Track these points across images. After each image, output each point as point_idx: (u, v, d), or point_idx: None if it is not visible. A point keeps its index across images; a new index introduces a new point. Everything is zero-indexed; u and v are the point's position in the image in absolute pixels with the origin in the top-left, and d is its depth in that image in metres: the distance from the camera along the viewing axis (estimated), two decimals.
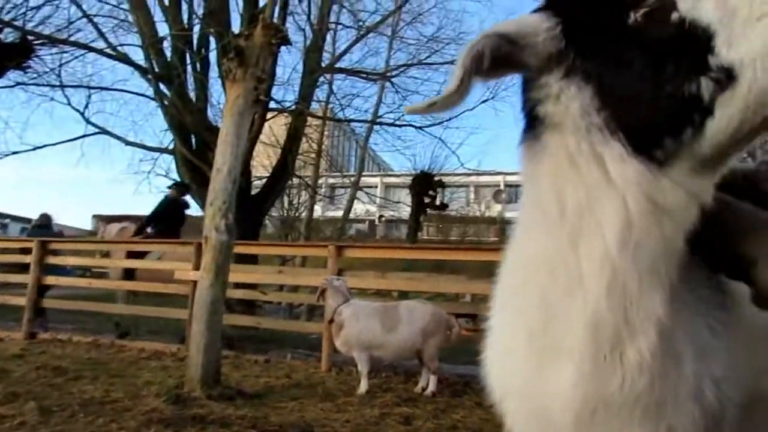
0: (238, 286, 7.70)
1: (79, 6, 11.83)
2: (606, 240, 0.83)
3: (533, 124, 0.92)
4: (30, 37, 11.00)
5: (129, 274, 8.82)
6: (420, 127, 15.78)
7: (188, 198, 10.56)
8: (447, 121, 16.05)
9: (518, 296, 0.98)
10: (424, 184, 17.47)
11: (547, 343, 0.92)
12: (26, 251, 8.93)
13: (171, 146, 13.03)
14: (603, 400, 0.87)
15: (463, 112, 18.48)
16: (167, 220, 9.73)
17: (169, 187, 10.11)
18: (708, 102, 0.75)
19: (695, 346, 0.86)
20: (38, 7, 11.21)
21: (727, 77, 0.73)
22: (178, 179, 12.75)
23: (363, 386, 5.28)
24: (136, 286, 8.73)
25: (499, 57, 0.88)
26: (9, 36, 10.63)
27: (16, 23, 10.42)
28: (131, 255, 8.94)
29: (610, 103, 0.82)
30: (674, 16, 0.78)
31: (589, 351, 0.87)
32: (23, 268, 8.88)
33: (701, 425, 0.85)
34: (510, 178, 34.61)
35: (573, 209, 0.86)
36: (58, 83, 12.44)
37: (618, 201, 0.82)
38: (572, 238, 0.86)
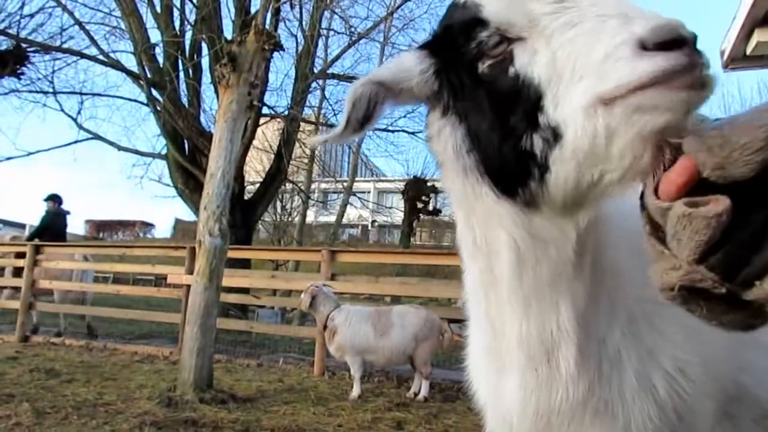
0: (231, 290, 7.73)
1: (71, 13, 11.85)
2: (504, 267, 0.90)
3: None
4: (23, 45, 11.01)
5: (18, 273, 9.15)
6: (413, 133, 15.91)
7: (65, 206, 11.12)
8: None
9: (475, 312, 1.06)
10: (417, 190, 17.53)
11: (498, 358, 1.00)
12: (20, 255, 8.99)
13: (164, 151, 13.06)
14: (552, 409, 0.94)
15: None
16: (51, 231, 10.31)
17: (45, 200, 10.64)
18: (541, 159, 0.76)
19: (637, 344, 0.91)
20: (31, 15, 11.23)
21: (553, 136, 0.74)
22: (171, 184, 12.80)
23: (355, 391, 5.31)
24: (131, 291, 8.73)
25: (380, 100, 0.93)
26: (2, 44, 10.64)
27: (9, 31, 10.43)
28: (19, 255, 9.31)
29: (475, 146, 0.86)
30: (511, 70, 0.79)
31: (525, 365, 0.94)
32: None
33: (661, 419, 0.90)
34: None
35: (480, 241, 0.93)
36: (51, 90, 12.49)
37: (506, 234, 0.88)
38: (488, 265, 0.94)
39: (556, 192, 0.77)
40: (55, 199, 10.67)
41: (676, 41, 0.63)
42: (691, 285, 0.59)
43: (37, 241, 9.12)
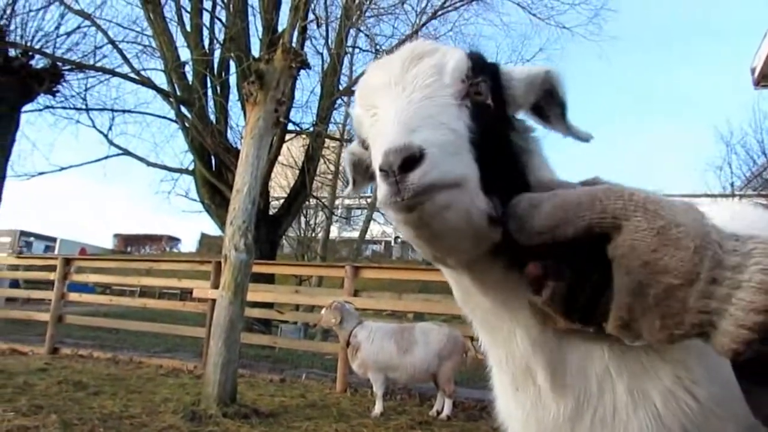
0: (255, 305, 7.78)
1: (105, 33, 12.21)
2: (459, 300, 1.00)
3: None
4: (59, 63, 11.37)
5: None
6: None
7: None
8: None
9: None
10: None
11: (502, 378, 1.05)
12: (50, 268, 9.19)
13: (191, 167, 13.28)
14: (549, 426, 0.95)
15: None
16: None
17: None
18: None
19: (628, 361, 0.90)
20: (68, 34, 11.60)
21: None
22: (198, 199, 13.00)
23: (378, 408, 5.28)
24: (157, 304, 8.84)
25: (362, 164, 1.10)
26: (39, 62, 11.00)
27: (46, 50, 10.80)
28: None
29: None
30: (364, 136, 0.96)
31: (511, 386, 1.00)
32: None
33: (682, 429, 0.89)
34: None
35: (446, 275, 1.02)
36: (83, 106, 12.85)
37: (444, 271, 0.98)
38: (458, 296, 1.02)
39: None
40: None
41: (391, 170, 0.71)
42: (572, 329, 0.80)
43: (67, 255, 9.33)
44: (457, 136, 0.80)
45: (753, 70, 5.95)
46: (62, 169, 13.10)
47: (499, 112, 0.91)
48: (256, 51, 12.31)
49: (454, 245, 0.80)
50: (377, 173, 0.75)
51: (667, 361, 0.90)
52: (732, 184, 19.83)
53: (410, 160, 0.71)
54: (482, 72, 0.89)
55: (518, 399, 0.99)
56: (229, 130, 13.04)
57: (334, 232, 26.05)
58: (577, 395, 0.92)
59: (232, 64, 13.00)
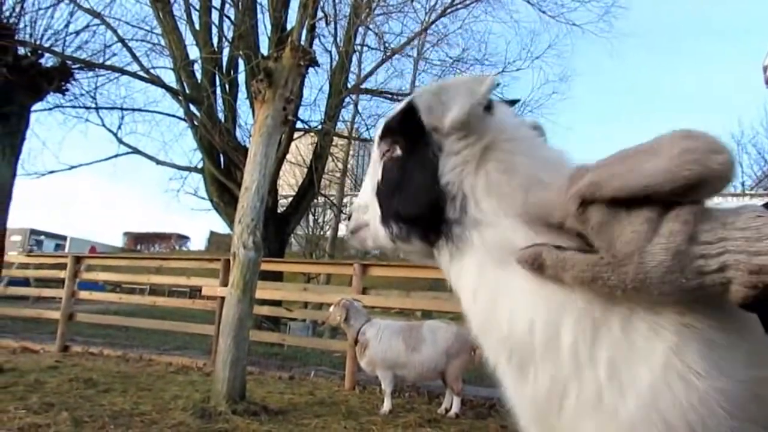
0: (263, 302, 7.80)
1: (115, 31, 12.24)
2: None
3: None
4: (68, 62, 11.40)
5: None
6: None
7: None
8: None
9: None
10: None
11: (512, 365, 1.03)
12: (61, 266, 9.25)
13: (200, 165, 13.33)
14: (541, 401, 0.91)
15: None
16: None
17: None
18: None
19: (610, 341, 0.85)
20: (77, 33, 11.63)
21: None
22: (207, 197, 13.05)
23: (386, 406, 5.28)
24: (166, 302, 8.88)
25: None
26: (49, 61, 11.06)
27: (55, 49, 10.84)
28: None
29: None
30: None
31: (498, 365, 1.02)
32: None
33: (681, 420, 0.82)
34: None
35: None
36: (93, 105, 12.87)
37: None
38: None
39: None
40: None
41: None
42: None
43: (77, 253, 9.37)
44: (366, 196, 1.18)
45: (765, 69, 5.87)
46: (72, 167, 13.16)
47: (411, 155, 1.07)
48: (264, 49, 12.35)
49: (404, 254, 1.19)
50: None
51: (674, 351, 0.83)
52: (743, 184, 19.70)
53: (349, 215, 1.24)
54: (392, 131, 1.11)
55: (512, 379, 0.97)
56: (237, 129, 13.09)
57: (342, 230, 26.06)
58: (550, 371, 0.88)
59: (240, 62, 13.02)
